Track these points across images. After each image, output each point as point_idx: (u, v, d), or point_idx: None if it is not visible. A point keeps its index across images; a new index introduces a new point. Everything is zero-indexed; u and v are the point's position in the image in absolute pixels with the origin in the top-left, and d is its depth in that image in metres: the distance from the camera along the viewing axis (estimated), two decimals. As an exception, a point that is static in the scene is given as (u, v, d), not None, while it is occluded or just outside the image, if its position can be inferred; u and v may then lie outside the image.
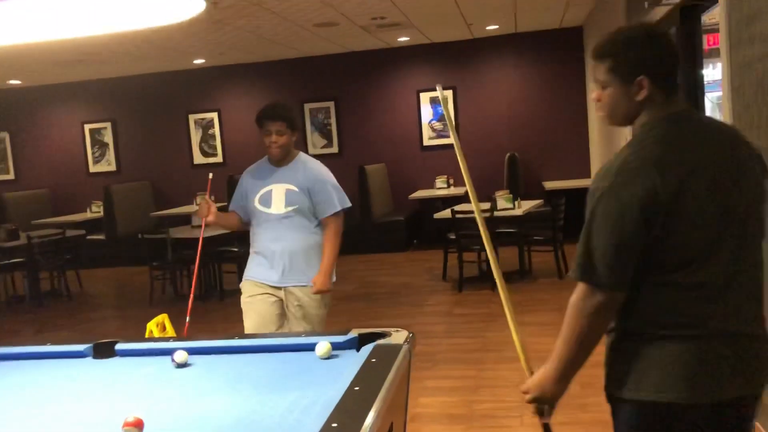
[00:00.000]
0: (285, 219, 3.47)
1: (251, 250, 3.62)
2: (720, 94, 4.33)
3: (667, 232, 1.62)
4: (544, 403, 1.82)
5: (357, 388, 1.82)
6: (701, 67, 4.43)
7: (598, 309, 1.66)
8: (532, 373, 1.90)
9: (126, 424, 1.68)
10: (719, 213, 1.65)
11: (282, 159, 3.53)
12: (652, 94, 1.70)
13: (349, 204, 3.62)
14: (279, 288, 3.51)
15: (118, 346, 2.47)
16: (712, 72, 5.54)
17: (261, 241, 3.54)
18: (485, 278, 7.01)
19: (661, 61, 1.71)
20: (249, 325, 3.54)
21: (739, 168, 1.71)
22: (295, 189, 3.48)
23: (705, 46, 4.89)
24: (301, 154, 3.63)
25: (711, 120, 1.88)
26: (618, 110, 1.76)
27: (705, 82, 4.55)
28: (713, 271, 1.66)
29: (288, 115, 3.51)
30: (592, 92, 1.84)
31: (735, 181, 1.68)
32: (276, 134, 3.45)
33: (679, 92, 1.78)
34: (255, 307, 3.53)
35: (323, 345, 2.25)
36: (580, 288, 1.69)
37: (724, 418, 1.69)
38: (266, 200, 3.51)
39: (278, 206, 3.48)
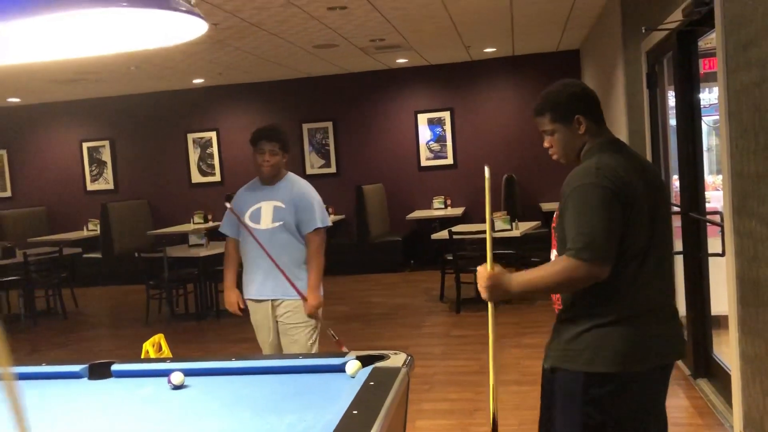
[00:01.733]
0: (272, 234, 3.61)
1: (245, 266, 3.78)
2: (717, 118, 4.36)
3: (629, 223, 2.03)
4: (488, 296, 2.21)
5: (355, 412, 1.81)
6: (698, 92, 4.46)
7: (586, 279, 2.00)
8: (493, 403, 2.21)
9: (122, 447, 1.67)
10: (651, 212, 2.07)
11: (272, 178, 3.70)
12: (589, 127, 2.18)
13: (329, 223, 3.79)
14: (271, 301, 3.68)
15: (114, 367, 2.45)
16: (708, 96, 5.59)
17: (251, 256, 3.68)
18: (482, 300, 6.98)
19: (585, 101, 2.21)
20: (262, 339, 3.80)
21: (655, 180, 2.17)
22: (282, 205, 3.64)
23: (701, 71, 4.94)
24: (290, 174, 3.80)
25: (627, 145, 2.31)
26: (569, 147, 2.22)
27: (701, 106, 4.59)
28: (654, 261, 2.08)
29: (282, 137, 3.70)
30: (545, 143, 2.26)
31: (656, 189, 2.14)
32: (269, 153, 3.63)
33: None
34: (262, 327, 3.76)
35: (354, 363, 2.23)
36: (577, 262, 1.98)
37: (656, 383, 2.15)
38: (256, 216, 3.67)
39: (266, 222, 3.64)
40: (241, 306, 3.76)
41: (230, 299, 3.77)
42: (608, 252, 1.98)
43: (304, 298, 3.62)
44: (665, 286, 2.18)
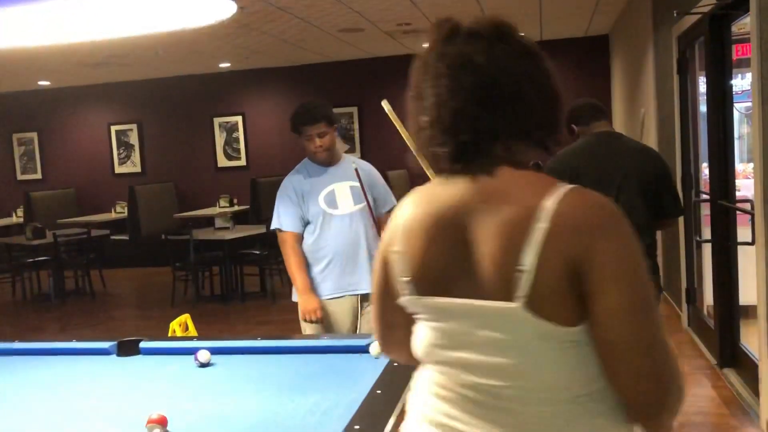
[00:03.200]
0: (355, 217, 3.23)
1: (317, 260, 3.23)
2: (749, 104, 4.29)
3: None
4: None
5: (379, 392, 1.83)
6: (730, 78, 4.37)
7: None
8: None
9: (150, 421, 1.70)
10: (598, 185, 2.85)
11: (331, 159, 3.27)
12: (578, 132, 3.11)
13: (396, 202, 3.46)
14: (353, 296, 3.23)
15: (142, 345, 2.50)
16: (741, 82, 5.49)
17: (331, 246, 3.20)
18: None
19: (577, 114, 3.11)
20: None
21: (617, 165, 2.90)
22: (358, 185, 3.25)
23: (734, 56, 4.85)
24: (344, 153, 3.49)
25: (617, 137, 3.13)
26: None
27: (733, 93, 4.50)
28: None
29: (325, 113, 3.22)
30: None
31: (614, 170, 2.88)
32: (318, 137, 3.18)
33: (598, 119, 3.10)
34: (342, 327, 3.23)
35: (378, 345, 2.24)
36: None
37: None
38: (331, 201, 3.21)
39: (346, 205, 3.22)
40: (321, 315, 3.15)
41: (311, 305, 3.14)
42: None
43: None
44: None
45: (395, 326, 1.32)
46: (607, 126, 3.12)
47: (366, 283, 3.16)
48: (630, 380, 1.08)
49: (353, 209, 3.23)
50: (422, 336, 1.24)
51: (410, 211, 1.28)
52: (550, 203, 1.09)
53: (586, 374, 1.12)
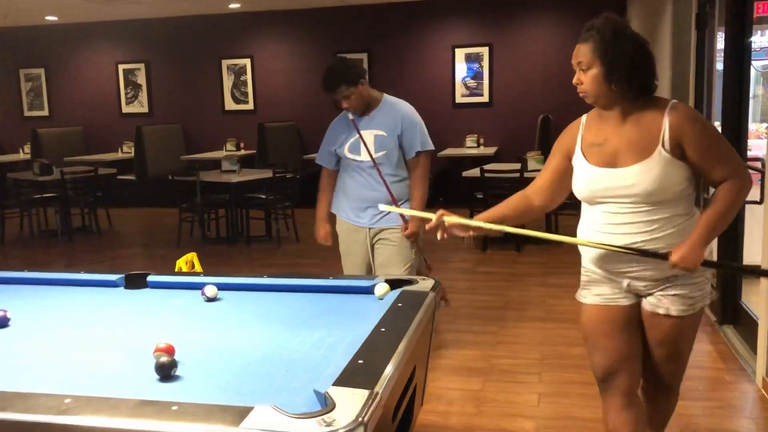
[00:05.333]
0: (375, 165, 3.47)
1: (341, 192, 3.65)
2: (766, 62, 4.22)
3: None
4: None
5: (383, 329, 1.85)
6: (749, 35, 4.29)
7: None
8: None
9: (158, 349, 1.73)
10: None
11: (366, 109, 3.51)
12: None
13: (431, 147, 3.63)
14: (369, 228, 3.58)
15: (150, 278, 2.52)
16: (760, 39, 5.39)
17: (351, 187, 3.56)
18: (510, 239, 7.00)
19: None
20: (351, 262, 3.67)
21: None
22: (384, 134, 3.48)
23: (754, 14, 4.75)
24: (387, 97, 3.60)
25: None
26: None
27: (752, 50, 4.42)
28: None
29: (343, 76, 3.41)
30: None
31: None
32: (343, 100, 3.43)
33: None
34: (355, 252, 3.64)
35: (383, 286, 2.28)
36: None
37: None
38: (355, 148, 3.50)
39: (367, 153, 3.47)
40: (329, 242, 3.65)
41: (320, 234, 3.63)
42: None
43: (405, 223, 3.52)
44: None
45: None
46: None
47: (376, 222, 3.55)
48: None
49: (373, 156, 3.47)
50: None
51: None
52: None
53: None
